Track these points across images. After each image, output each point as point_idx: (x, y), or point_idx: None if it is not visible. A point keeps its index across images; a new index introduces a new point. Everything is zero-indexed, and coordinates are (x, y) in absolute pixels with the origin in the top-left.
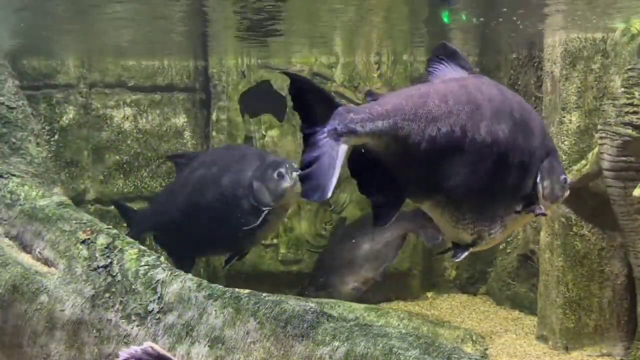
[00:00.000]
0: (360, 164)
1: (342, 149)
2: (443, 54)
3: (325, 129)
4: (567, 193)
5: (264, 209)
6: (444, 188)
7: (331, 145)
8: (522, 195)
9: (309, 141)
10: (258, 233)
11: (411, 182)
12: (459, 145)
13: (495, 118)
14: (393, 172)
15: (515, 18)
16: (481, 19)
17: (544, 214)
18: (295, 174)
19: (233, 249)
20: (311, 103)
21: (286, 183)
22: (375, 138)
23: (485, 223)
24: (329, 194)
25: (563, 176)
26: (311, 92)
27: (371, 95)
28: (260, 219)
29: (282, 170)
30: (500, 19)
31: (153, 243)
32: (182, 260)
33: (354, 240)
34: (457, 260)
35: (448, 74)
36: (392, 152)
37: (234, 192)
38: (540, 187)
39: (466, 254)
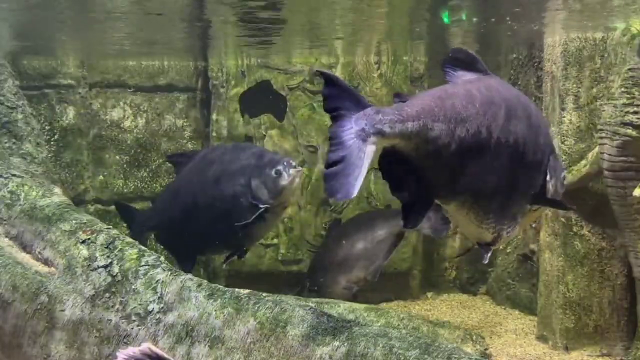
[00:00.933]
0: (392, 165)
1: (369, 149)
2: (459, 56)
3: (353, 129)
4: (563, 190)
5: (261, 206)
6: (470, 189)
7: (358, 145)
8: (534, 193)
9: (335, 140)
10: (256, 231)
11: (440, 184)
12: (485, 145)
13: (515, 118)
14: (422, 173)
15: (508, 18)
16: (475, 19)
17: (572, 208)
18: (292, 171)
19: (232, 247)
20: (341, 103)
21: (284, 181)
22: (405, 139)
23: (505, 221)
24: (354, 194)
25: (563, 173)
26: (343, 92)
27: (399, 97)
28: (254, 216)
29: (280, 167)
30: (492, 19)
31: (154, 243)
32: (184, 259)
33: (344, 242)
34: (485, 261)
35: (465, 76)
36: (421, 153)
37: (233, 190)
38: (549, 184)
39: (490, 253)
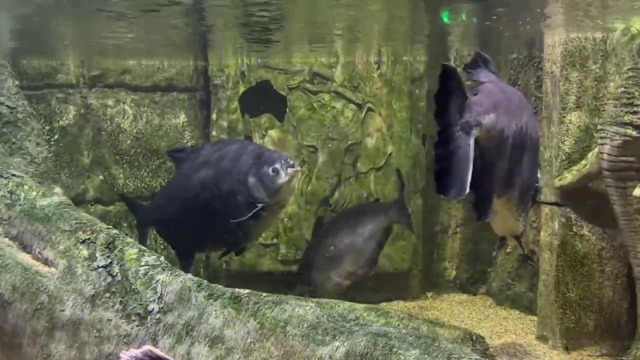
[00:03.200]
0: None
1: (472, 142)
2: (480, 58)
3: (459, 122)
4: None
5: (258, 205)
6: (517, 182)
7: (464, 138)
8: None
9: (442, 135)
10: (253, 229)
11: (499, 177)
12: (525, 140)
13: (531, 116)
14: (489, 166)
15: (494, 17)
16: (473, 19)
17: (563, 204)
18: (290, 170)
19: (229, 244)
20: (452, 95)
21: (281, 179)
22: (487, 131)
23: (527, 214)
24: (467, 191)
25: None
26: (456, 84)
27: (472, 89)
28: (250, 214)
29: (278, 166)
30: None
31: (154, 243)
32: (182, 255)
33: (332, 237)
34: (526, 252)
35: (489, 76)
36: (492, 145)
37: (230, 187)
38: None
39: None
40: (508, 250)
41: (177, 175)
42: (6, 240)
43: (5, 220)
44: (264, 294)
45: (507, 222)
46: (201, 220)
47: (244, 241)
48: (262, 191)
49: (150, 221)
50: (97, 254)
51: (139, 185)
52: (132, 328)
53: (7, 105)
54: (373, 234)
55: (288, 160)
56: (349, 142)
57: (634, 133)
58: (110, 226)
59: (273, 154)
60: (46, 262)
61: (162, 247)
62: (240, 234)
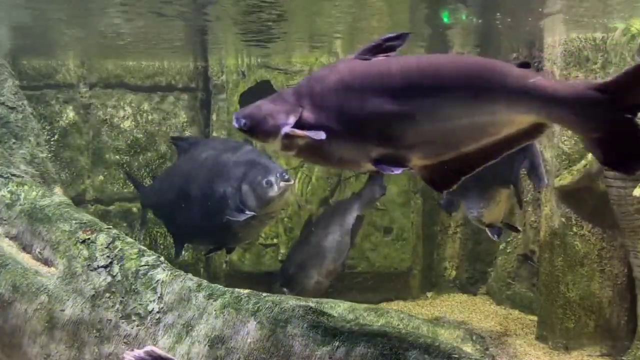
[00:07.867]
0: None
1: None
2: None
3: None
4: None
5: (247, 213)
6: (517, 174)
7: None
8: None
9: None
10: (241, 234)
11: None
12: None
13: None
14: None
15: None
16: (475, 20)
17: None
18: (283, 184)
19: (215, 242)
20: None
21: (273, 192)
22: None
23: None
24: None
25: None
26: None
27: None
28: (240, 221)
29: (272, 178)
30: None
31: (153, 243)
32: (175, 241)
33: (312, 238)
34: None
35: None
36: None
37: (223, 190)
38: None
39: None
40: (508, 250)
41: (177, 164)
42: (6, 240)
43: (5, 220)
44: (264, 294)
45: (502, 209)
46: (192, 213)
47: (229, 242)
48: (253, 200)
49: (151, 202)
50: (97, 254)
51: None
52: (132, 328)
53: (7, 106)
54: (349, 228)
55: (283, 173)
56: None
57: None
58: (110, 226)
59: (269, 165)
60: (46, 262)
61: (162, 247)
62: (228, 235)
